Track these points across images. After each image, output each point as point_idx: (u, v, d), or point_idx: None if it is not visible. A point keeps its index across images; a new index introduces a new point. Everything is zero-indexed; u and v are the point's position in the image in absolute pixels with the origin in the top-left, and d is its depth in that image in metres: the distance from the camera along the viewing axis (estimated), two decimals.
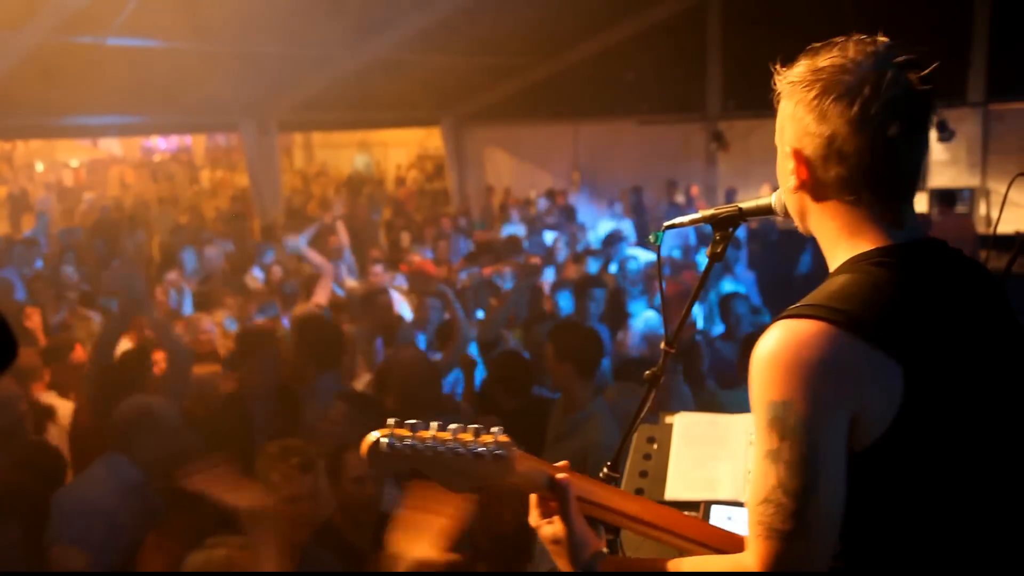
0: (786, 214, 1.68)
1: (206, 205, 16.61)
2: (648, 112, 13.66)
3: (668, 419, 2.30)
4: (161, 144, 23.96)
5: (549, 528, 1.52)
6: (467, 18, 10.33)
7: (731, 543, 1.56)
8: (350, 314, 6.32)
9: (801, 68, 1.46)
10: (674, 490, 2.13)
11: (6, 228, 14.27)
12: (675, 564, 1.48)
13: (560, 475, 1.52)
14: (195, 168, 22.93)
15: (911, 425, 1.34)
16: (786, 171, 1.50)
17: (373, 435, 1.37)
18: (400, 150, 21.84)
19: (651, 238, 1.82)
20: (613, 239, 9.73)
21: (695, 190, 13.05)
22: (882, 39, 1.45)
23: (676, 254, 9.12)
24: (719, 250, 1.78)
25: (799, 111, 1.44)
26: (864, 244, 1.44)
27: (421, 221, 12.15)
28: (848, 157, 1.42)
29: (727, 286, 7.17)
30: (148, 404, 3.84)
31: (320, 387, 4.54)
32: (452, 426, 1.40)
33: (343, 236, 8.89)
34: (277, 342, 5.16)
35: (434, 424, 1.40)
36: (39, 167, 22.29)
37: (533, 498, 1.55)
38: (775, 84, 1.53)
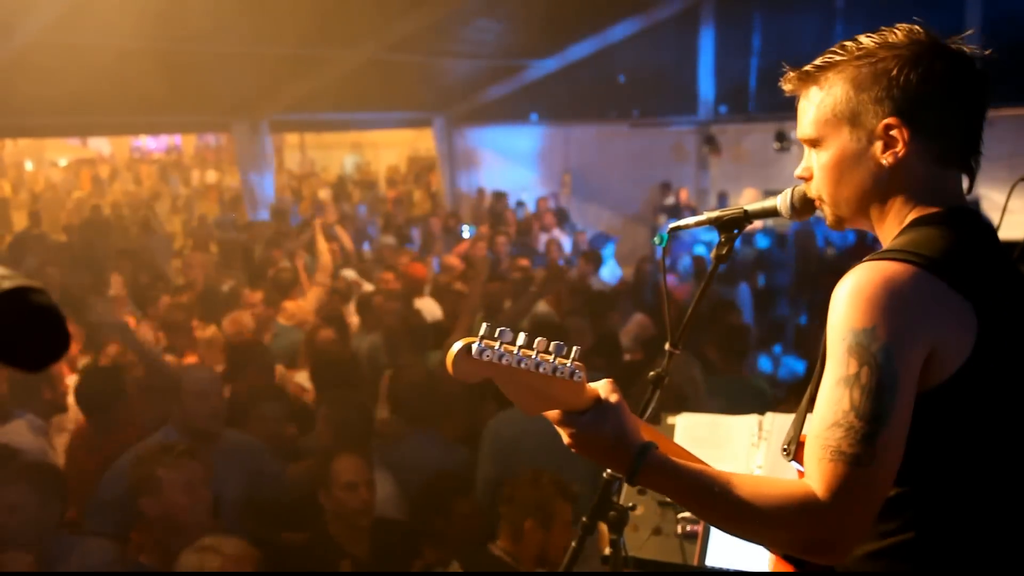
0: (792, 215, 1.69)
1: (195, 206, 16.56)
2: (640, 115, 13.69)
3: (670, 420, 2.32)
4: (151, 144, 23.88)
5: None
6: (459, 20, 10.33)
7: None
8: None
9: (870, 48, 1.49)
10: None
11: None
12: (735, 475, 1.43)
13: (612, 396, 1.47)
14: (185, 168, 22.87)
15: (982, 366, 1.39)
16: (866, 155, 1.51)
17: (463, 342, 1.35)
18: (391, 151, 21.83)
19: (656, 239, 1.83)
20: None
21: (684, 194, 13.10)
22: (919, 28, 1.51)
23: None
24: (724, 252, 1.79)
25: (895, 86, 1.47)
26: (932, 208, 1.50)
27: (411, 222, 12.13)
28: (955, 122, 1.50)
29: None
30: (180, 372, 4.11)
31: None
32: (537, 339, 1.38)
33: (346, 241, 8.85)
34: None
35: (522, 334, 1.37)
36: (28, 166, 22.19)
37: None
38: (804, 80, 1.55)
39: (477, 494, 3.88)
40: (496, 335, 1.35)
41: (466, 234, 10.72)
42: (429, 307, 6.74)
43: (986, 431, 1.42)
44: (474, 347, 1.34)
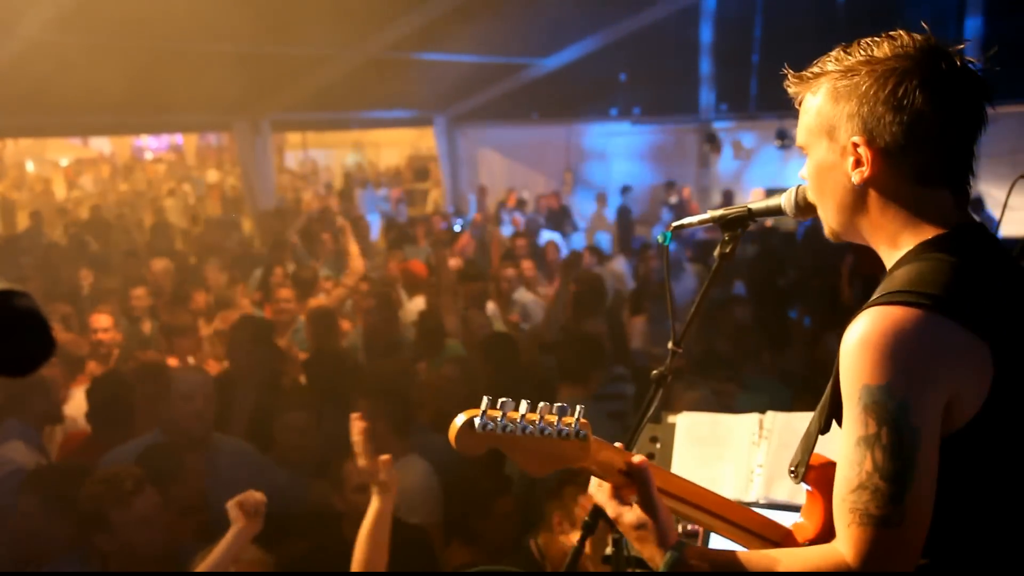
0: (797, 214, 1.68)
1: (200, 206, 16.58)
2: (641, 114, 13.69)
3: (671, 419, 2.31)
4: (152, 143, 23.90)
5: (631, 515, 1.50)
6: (461, 18, 10.32)
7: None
8: None
9: (853, 62, 1.45)
10: None
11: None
12: (763, 555, 1.44)
13: (637, 459, 1.51)
14: (187, 168, 22.90)
15: (1002, 405, 1.35)
16: (840, 169, 1.48)
17: (465, 416, 1.36)
18: (392, 150, 21.84)
19: (659, 238, 1.82)
20: None
21: (687, 192, 13.09)
22: (918, 35, 1.46)
23: None
24: (728, 251, 1.78)
25: (865, 103, 1.43)
26: (928, 231, 1.45)
27: (412, 221, 12.14)
28: (929, 142, 1.42)
29: None
30: (170, 373, 4.24)
31: None
32: (540, 405, 1.40)
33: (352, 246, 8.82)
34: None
35: (524, 403, 1.39)
36: (29, 166, 22.20)
37: (608, 490, 1.53)
38: (799, 85, 1.53)
39: (516, 493, 3.88)
40: (499, 406, 1.37)
41: (457, 229, 10.76)
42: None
43: (1007, 467, 1.39)
44: (476, 421, 1.35)
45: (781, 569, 1.39)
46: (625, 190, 13.21)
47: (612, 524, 1.98)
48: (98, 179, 20.67)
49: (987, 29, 10.07)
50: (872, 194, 1.47)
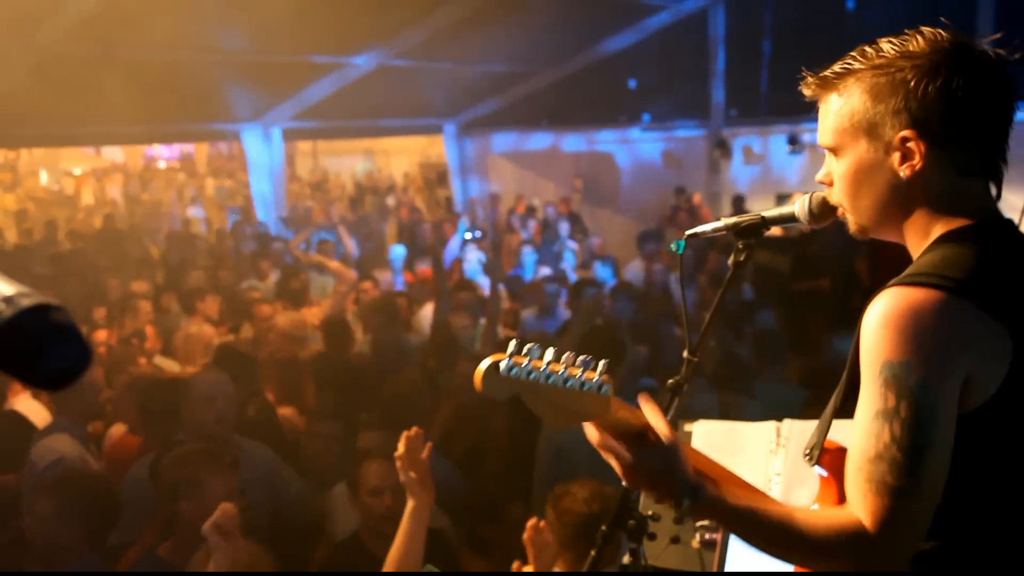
0: (811, 221, 1.68)
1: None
2: (651, 120, 13.67)
3: (687, 427, 2.30)
4: (164, 152, 24.03)
5: (646, 453, 1.49)
6: (470, 26, 10.34)
7: None
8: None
9: (889, 58, 1.46)
10: None
11: (14, 236, 14.27)
12: (780, 505, 1.46)
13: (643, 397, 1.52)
14: (199, 176, 22.99)
15: (1018, 390, 1.37)
16: (884, 166, 1.49)
17: (491, 359, 1.36)
18: (403, 158, 21.87)
19: (672, 246, 1.82)
20: None
21: (697, 198, 13.05)
22: (943, 31, 1.47)
23: None
24: (742, 259, 1.77)
25: (913, 98, 1.44)
26: (958, 222, 1.47)
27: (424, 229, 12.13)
28: (974, 132, 1.45)
29: None
30: (189, 377, 4.20)
31: None
32: (565, 355, 1.39)
33: (347, 242, 8.88)
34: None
35: (550, 350, 1.38)
36: (43, 175, 22.33)
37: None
38: (821, 86, 1.53)
39: (535, 498, 3.86)
40: (524, 351, 1.36)
41: (468, 236, 10.76)
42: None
43: (1018, 451, 1.41)
44: (502, 364, 1.35)
45: (800, 525, 1.40)
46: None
47: (631, 534, 1.98)
48: (127, 189, 20.67)
49: (997, 31, 10.01)
50: (916, 188, 1.48)
